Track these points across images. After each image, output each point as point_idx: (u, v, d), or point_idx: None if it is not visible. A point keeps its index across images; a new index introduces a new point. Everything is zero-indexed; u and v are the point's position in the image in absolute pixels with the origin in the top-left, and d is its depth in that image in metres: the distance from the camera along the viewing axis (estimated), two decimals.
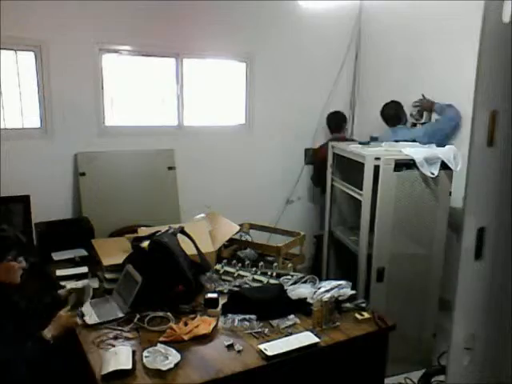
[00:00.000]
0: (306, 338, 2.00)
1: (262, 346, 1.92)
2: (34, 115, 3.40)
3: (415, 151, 2.83)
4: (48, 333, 1.92)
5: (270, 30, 4.06)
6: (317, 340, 1.98)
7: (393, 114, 3.78)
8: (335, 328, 2.13)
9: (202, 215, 3.27)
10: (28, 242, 2.07)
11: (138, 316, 2.17)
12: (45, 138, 3.42)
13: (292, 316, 2.22)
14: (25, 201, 3.17)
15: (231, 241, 3.14)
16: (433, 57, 3.60)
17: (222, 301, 2.29)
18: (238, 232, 3.27)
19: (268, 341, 1.99)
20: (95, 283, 2.54)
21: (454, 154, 2.80)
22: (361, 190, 2.93)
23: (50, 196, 3.41)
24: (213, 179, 4.02)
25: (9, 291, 1.97)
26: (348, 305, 2.32)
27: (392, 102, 3.80)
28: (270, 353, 1.88)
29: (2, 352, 1.75)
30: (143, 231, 2.68)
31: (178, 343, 1.95)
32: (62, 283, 2.53)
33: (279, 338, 2.02)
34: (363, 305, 2.34)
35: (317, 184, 4.23)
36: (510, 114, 1.27)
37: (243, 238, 3.25)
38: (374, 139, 3.60)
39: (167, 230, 2.58)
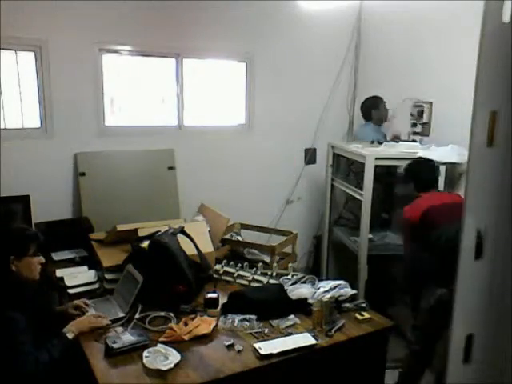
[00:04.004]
0: (303, 340, 2.00)
1: (257, 345, 1.92)
2: (34, 115, 3.40)
3: (430, 154, 2.85)
4: (70, 332, 1.95)
5: (269, 30, 4.06)
6: (314, 342, 1.98)
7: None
8: (339, 329, 2.13)
9: (200, 216, 3.29)
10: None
11: (138, 316, 2.17)
12: (45, 138, 3.41)
13: (292, 316, 2.22)
14: (25, 201, 3.17)
15: (224, 241, 3.14)
16: (433, 57, 3.60)
17: (222, 301, 2.29)
18: (229, 232, 3.28)
19: (266, 340, 1.99)
20: (95, 285, 2.55)
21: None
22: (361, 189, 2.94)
23: (50, 196, 3.40)
24: (213, 179, 4.01)
25: (27, 288, 2.00)
26: (348, 305, 2.32)
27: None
28: (263, 352, 1.89)
29: (29, 348, 1.80)
30: (143, 231, 2.68)
31: (178, 343, 1.95)
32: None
33: (277, 337, 2.02)
34: (363, 305, 2.34)
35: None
36: (510, 113, 1.26)
37: (234, 238, 3.25)
38: (374, 139, 3.61)
39: (167, 230, 2.58)
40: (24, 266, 1.94)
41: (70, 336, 1.94)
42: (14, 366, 1.76)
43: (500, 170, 1.30)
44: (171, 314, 2.21)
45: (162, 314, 2.22)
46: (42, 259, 2.05)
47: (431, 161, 2.83)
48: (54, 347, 1.87)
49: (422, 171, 2.78)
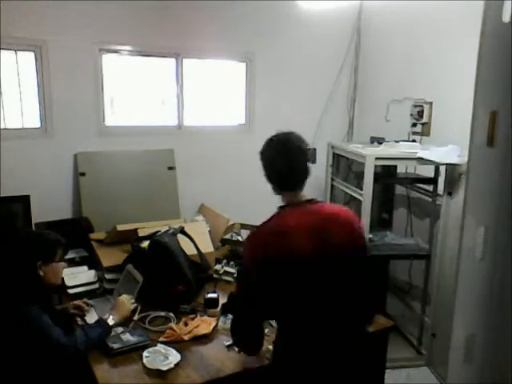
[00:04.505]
0: None
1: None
2: (34, 115, 3.40)
3: (430, 153, 2.84)
4: (112, 321, 1.99)
5: (269, 30, 4.06)
6: None
7: None
8: None
9: (200, 216, 3.29)
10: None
11: (138, 316, 2.17)
12: (45, 138, 3.42)
13: None
14: (25, 201, 3.17)
15: (224, 241, 3.14)
16: (433, 57, 3.60)
17: (222, 301, 2.29)
18: (229, 232, 3.27)
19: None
20: (95, 285, 2.55)
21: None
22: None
23: (50, 196, 3.41)
24: (213, 179, 4.02)
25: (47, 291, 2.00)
26: None
27: None
28: None
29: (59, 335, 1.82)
30: (143, 231, 2.68)
31: (178, 343, 1.95)
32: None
33: None
34: None
35: None
36: (510, 113, 1.26)
37: (234, 238, 3.25)
38: (374, 139, 3.61)
39: (167, 230, 2.58)
40: (50, 271, 1.93)
41: (110, 322, 1.98)
42: (57, 355, 1.79)
43: (500, 170, 1.30)
44: (171, 314, 2.21)
45: (162, 313, 2.22)
46: (65, 264, 2.06)
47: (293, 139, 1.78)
48: (91, 329, 1.92)
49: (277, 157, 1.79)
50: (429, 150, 2.97)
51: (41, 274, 1.89)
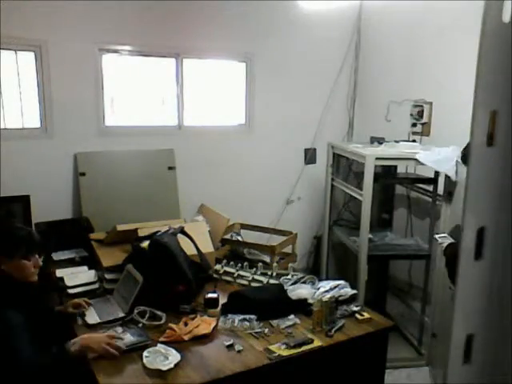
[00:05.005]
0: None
1: None
2: (34, 115, 3.40)
3: (428, 156, 2.83)
4: (73, 347, 1.80)
5: (269, 30, 4.05)
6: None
7: None
8: (339, 329, 2.12)
9: (200, 216, 3.30)
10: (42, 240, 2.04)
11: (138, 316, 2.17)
12: (45, 138, 3.41)
13: (292, 316, 2.22)
14: (25, 201, 3.17)
15: (224, 241, 3.14)
16: (433, 56, 3.60)
17: (222, 301, 2.29)
18: (229, 232, 3.28)
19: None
20: (95, 285, 2.55)
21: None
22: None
23: (50, 196, 3.41)
24: (213, 179, 4.02)
25: (26, 290, 1.94)
26: (346, 308, 2.29)
27: None
28: None
29: (28, 352, 1.72)
30: (143, 231, 2.68)
31: (178, 343, 1.96)
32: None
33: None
34: (356, 308, 2.31)
35: None
36: (510, 113, 1.26)
37: (234, 238, 3.25)
38: (374, 139, 3.61)
39: (167, 230, 2.59)
40: (14, 268, 1.88)
41: (72, 348, 1.79)
42: (11, 366, 1.68)
43: (500, 169, 1.30)
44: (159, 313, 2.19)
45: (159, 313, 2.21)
46: (37, 262, 1.95)
47: None
48: (55, 354, 1.78)
49: None
50: (430, 150, 2.96)
51: (3, 267, 1.84)
